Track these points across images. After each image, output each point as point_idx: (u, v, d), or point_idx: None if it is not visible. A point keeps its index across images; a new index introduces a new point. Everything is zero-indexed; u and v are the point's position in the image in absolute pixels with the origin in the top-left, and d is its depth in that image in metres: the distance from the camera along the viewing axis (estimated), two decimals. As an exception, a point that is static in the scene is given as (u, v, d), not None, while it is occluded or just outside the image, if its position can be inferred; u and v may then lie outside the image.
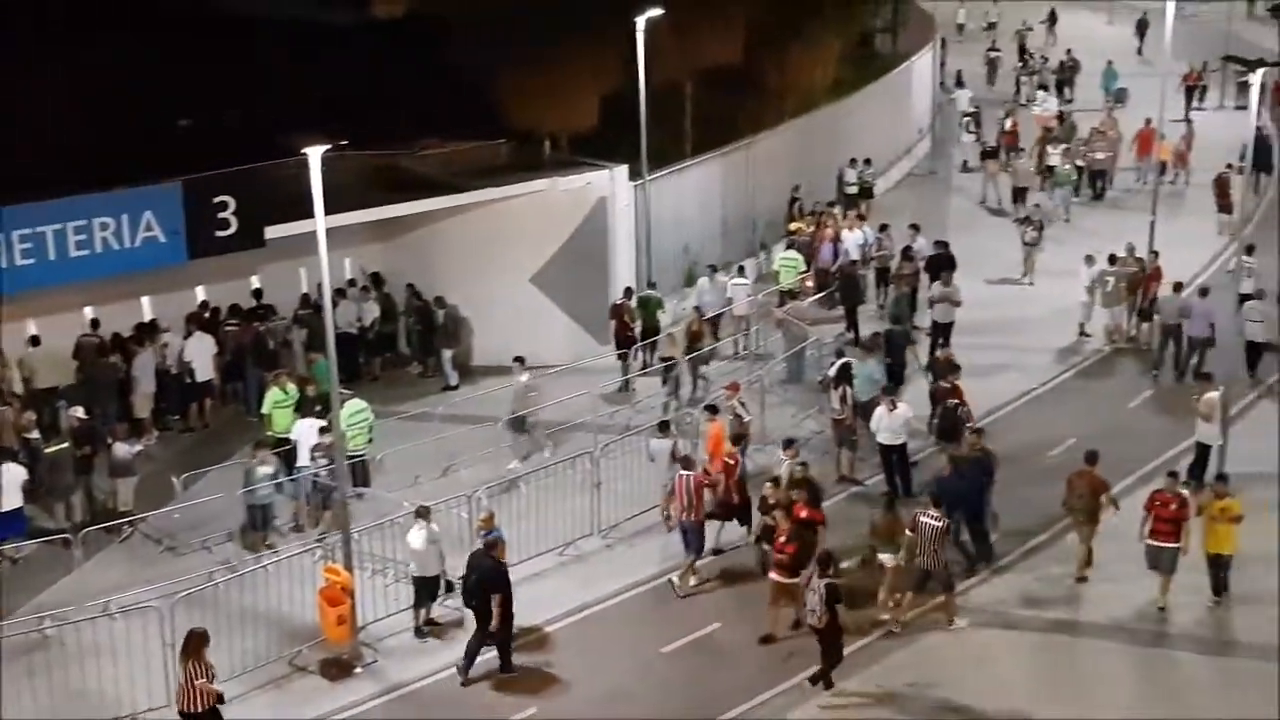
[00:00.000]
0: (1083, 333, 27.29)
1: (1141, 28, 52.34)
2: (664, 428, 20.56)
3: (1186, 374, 24.74)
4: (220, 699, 15.00)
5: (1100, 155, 36.36)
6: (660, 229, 28.37)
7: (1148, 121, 35.77)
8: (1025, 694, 16.38)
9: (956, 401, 21.33)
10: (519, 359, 22.75)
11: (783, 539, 17.30)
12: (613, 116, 28.89)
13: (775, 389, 24.38)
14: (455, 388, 25.75)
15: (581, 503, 20.29)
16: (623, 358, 25.77)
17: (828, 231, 29.75)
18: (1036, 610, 18.17)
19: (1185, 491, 18.00)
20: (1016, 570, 19.15)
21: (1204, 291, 25.56)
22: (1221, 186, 32.93)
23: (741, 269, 29.00)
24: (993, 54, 49.92)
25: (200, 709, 14.84)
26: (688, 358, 24.91)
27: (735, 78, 32.44)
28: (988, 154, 37.81)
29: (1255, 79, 21.27)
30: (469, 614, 17.15)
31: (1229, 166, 33.49)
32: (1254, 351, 24.84)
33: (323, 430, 20.10)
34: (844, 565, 17.91)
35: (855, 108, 36.59)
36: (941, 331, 25.56)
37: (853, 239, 29.50)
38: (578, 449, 21.65)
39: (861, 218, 31.30)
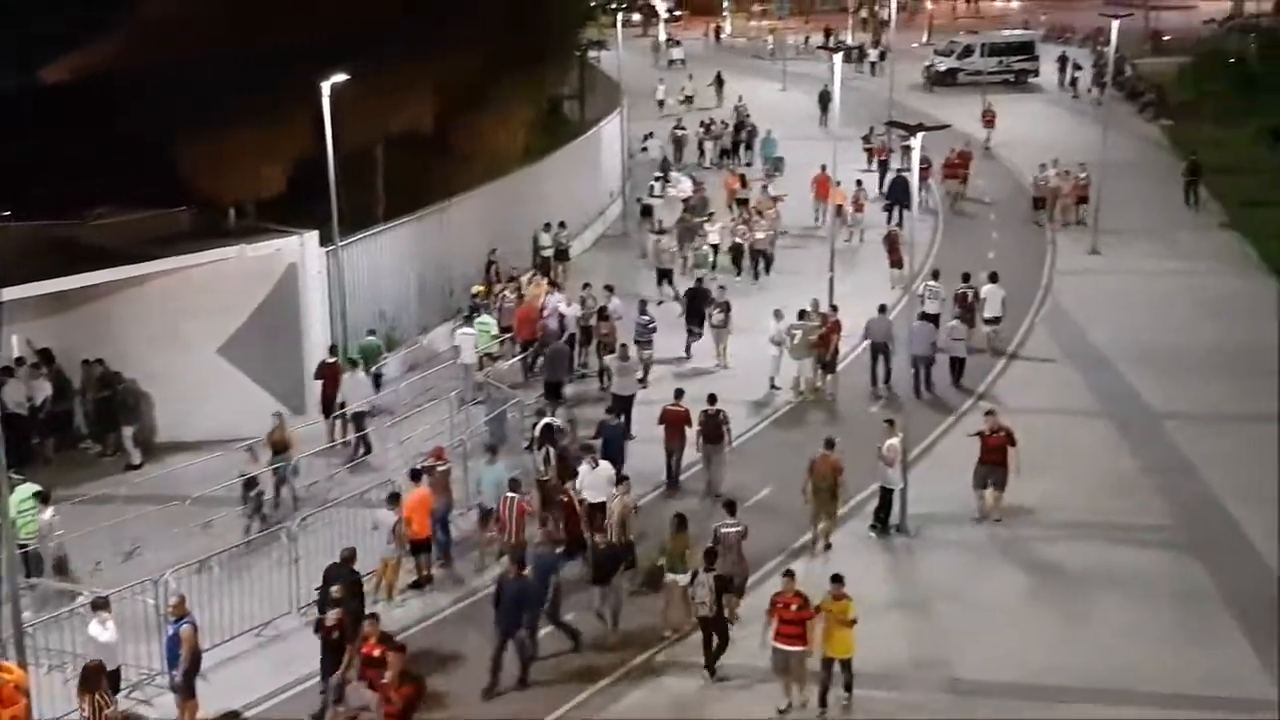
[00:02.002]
0: (773, 385, 28.01)
1: (824, 100, 53.87)
2: (394, 500, 19.99)
3: (922, 392, 27.19)
4: None
5: (760, 234, 35.56)
6: (355, 295, 27.72)
7: (823, 168, 38.61)
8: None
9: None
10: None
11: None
12: (302, 182, 28.09)
13: (479, 452, 24.03)
14: (138, 466, 24.36)
15: (279, 579, 19.39)
16: (333, 419, 25.12)
17: (539, 301, 29.39)
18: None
19: (803, 593, 17.16)
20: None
21: (921, 315, 28.67)
22: (892, 243, 34.64)
23: (470, 316, 28.73)
24: (679, 132, 50.08)
25: None
26: (272, 467, 22.20)
27: (427, 142, 32.21)
28: (645, 210, 39.75)
29: (915, 142, 22.68)
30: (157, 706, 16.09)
31: (898, 225, 35.26)
32: (955, 365, 28.17)
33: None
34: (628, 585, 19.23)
35: (547, 172, 36.89)
36: (621, 405, 25.35)
37: (571, 311, 29.22)
38: (273, 523, 20.72)
39: (554, 283, 31.18)
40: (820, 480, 21.13)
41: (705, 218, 37.67)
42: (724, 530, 19.14)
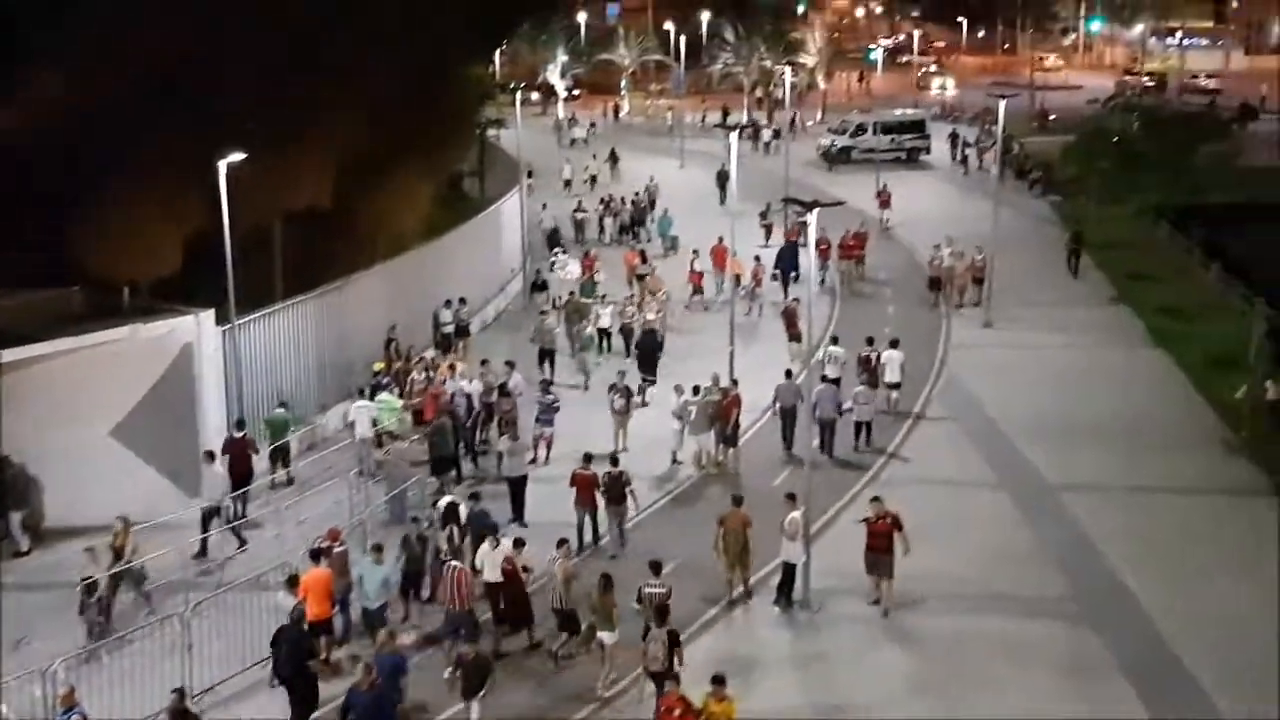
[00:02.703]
0: (675, 460, 28.09)
1: (722, 179, 54.31)
2: (292, 583, 19.70)
3: (830, 449, 28.30)
4: None
5: (651, 315, 34.94)
6: (253, 374, 27.38)
7: (720, 239, 39.63)
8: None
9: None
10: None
11: None
12: (198, 260, 27.77)
13: (378, 531, 23.73)
14: (26, 553, 23.68)
15: (172, 667, 18.89)
16: (243, 494, 24.73)
17: (446, 384, 29.06)
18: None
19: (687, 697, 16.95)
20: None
21: (824, 379, 29.85)
22: (790, 317, 35.05)
23: (371, 392, 28.56)
24: (580, 214, 49.79)
25: None
26: (110, 572, 21.02)
27: (327, 219, 32.03)
28: (536, 286, 40.32)
29: (811, 218, 23.05)
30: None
31: (795, 300, 35.71)
32: (860, 429, 29.06)
33: None
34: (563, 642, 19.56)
35: (448, 248, 36.86)
36: (512, 486, 25.31)
37: (474, 389, 28.95)
38: (167, 609, 20.23)
39: (452, 366, 30.96)
40: (731, 535, 21.81)
41: (597, 299, 37.67)
42: (648, 590, 19.64)
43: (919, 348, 34.60)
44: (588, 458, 24.65)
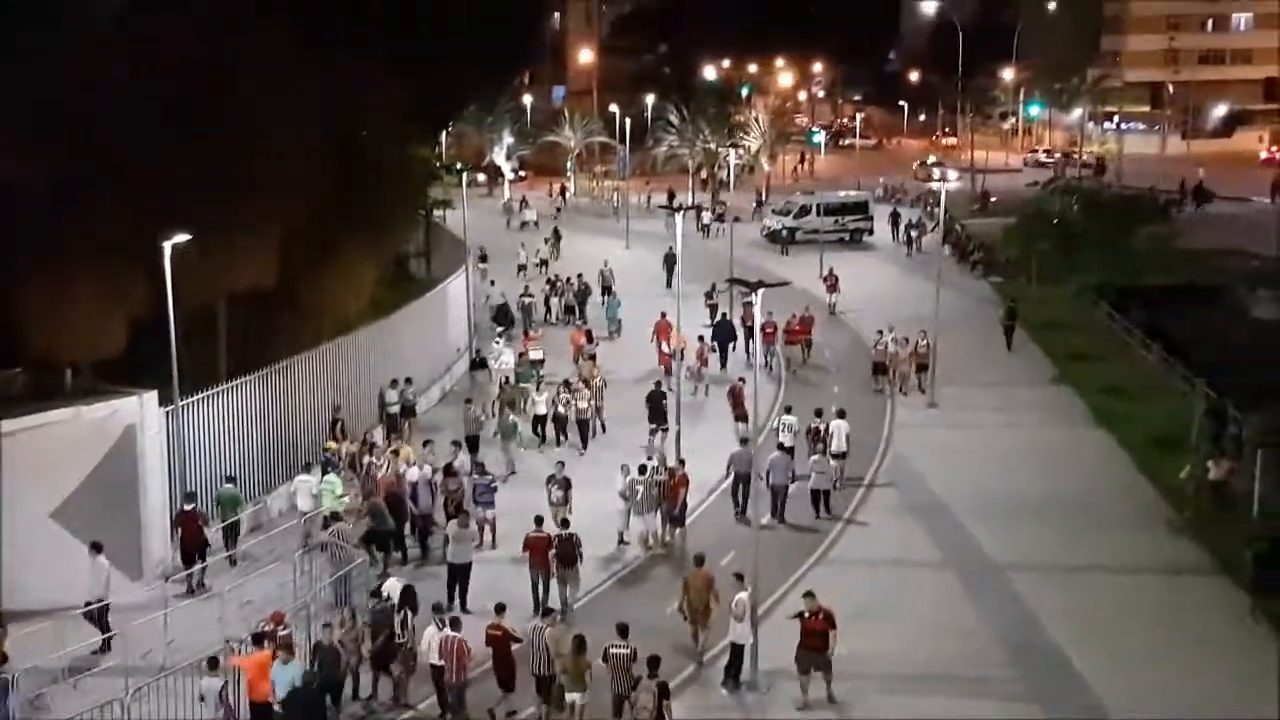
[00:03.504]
0: (621, 540, 28.19)
1: (669, 261, 53.92)
2: (213, 664, 19.57)
3: (781, 515, 29.20)
4: None
5: (583, 404, 34.91)
6: (197, 455, 27.33)
7: (663, 314, 40.65)
8: None
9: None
10: None
11: None
12: (142, 341, 27.77)
13: (324, 613, 23.66)
14: (-38, 638, 23.23)
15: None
16: (202, 569, 24.89)
17: (403, 469, 28.68)
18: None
19: None
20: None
21: (780, 446, 30.38)
22: (736, 397, 35.38)
23: (323, 469, 28.58)
24: (526, 299, 49.04)
25: None
26: None
27: (272, 299, 32.10)
28: (475, 364, 40.38)
29: (755, 299, 23.61)
30: None
31: (741, 380, 36.04)
32: (818, 496, 29.94)
33: None
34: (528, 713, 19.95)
35: (393, 328, 36.95)
36: (457, 574, 25.32)
37: (423, 475, 28.51)
38: (106, 695, 20.04)
39: (396, 452, 30.31)
40: (695, 595, 22.52)
41: (535, 379, 37.70)
42: (614, 651, 20.29)
43: (865, 428, 35.02)
44: (539, 520, 25.44)
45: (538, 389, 36.52)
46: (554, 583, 24.86)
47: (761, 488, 28.13)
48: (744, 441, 29.87)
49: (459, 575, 25.24)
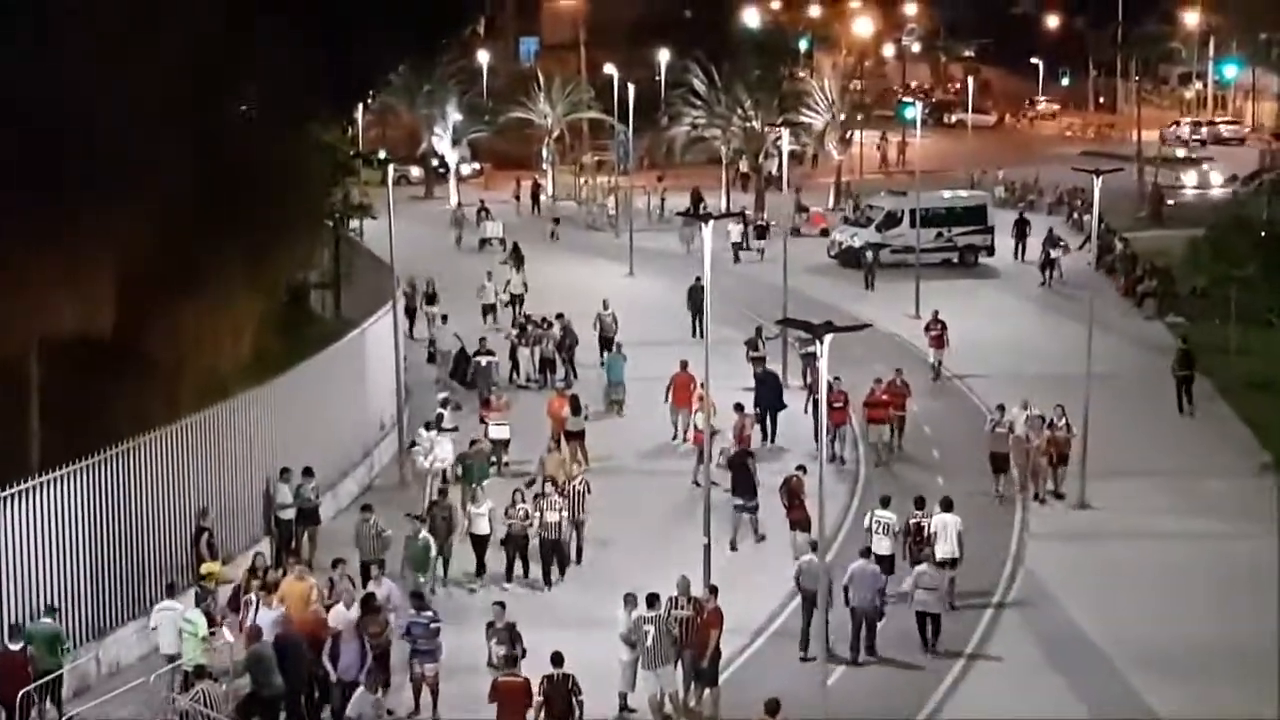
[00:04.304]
0: (625, 707, 28.19)
1: (695, 297, 52.69)
2: None
3: (860, 652, 29.90)
4: None
5: (552, 517, 34.29)
6: (6, 579, 27.51)
7: (684, 365, 41.81)
8: None
9: None
10: None
11: None
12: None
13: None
14: None
15: None
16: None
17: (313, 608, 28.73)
18: None
19: None
20: None
21: (864, 552, 31.19)
22: (792, 493, 35.37)
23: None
24: (485, 359, 48.73)
25: None
26: None
27: (106, 352, 32.29)
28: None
29: (821, 350, 23.53)
30: None
31: (800, 469, 36.20)
32: (925, 623, 30.59)
33: None
34: None
35: (287, 395, 36.93)
36: None
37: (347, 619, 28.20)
38: None
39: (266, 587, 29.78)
40: None
41: (481, 479, 37.44)
42: None
43: (983, 537, 34.97)
44: (511, 660, 25.97)
45: (476, 493, 36.10)
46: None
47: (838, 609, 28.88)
48: (814, 546, 30.08)
49: None
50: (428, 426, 40.36)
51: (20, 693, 25.92)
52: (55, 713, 27.08)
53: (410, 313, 55.45)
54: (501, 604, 29.29)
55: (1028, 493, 39.98)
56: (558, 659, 25.75)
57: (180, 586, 29.68)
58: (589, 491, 36.02)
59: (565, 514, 34.64)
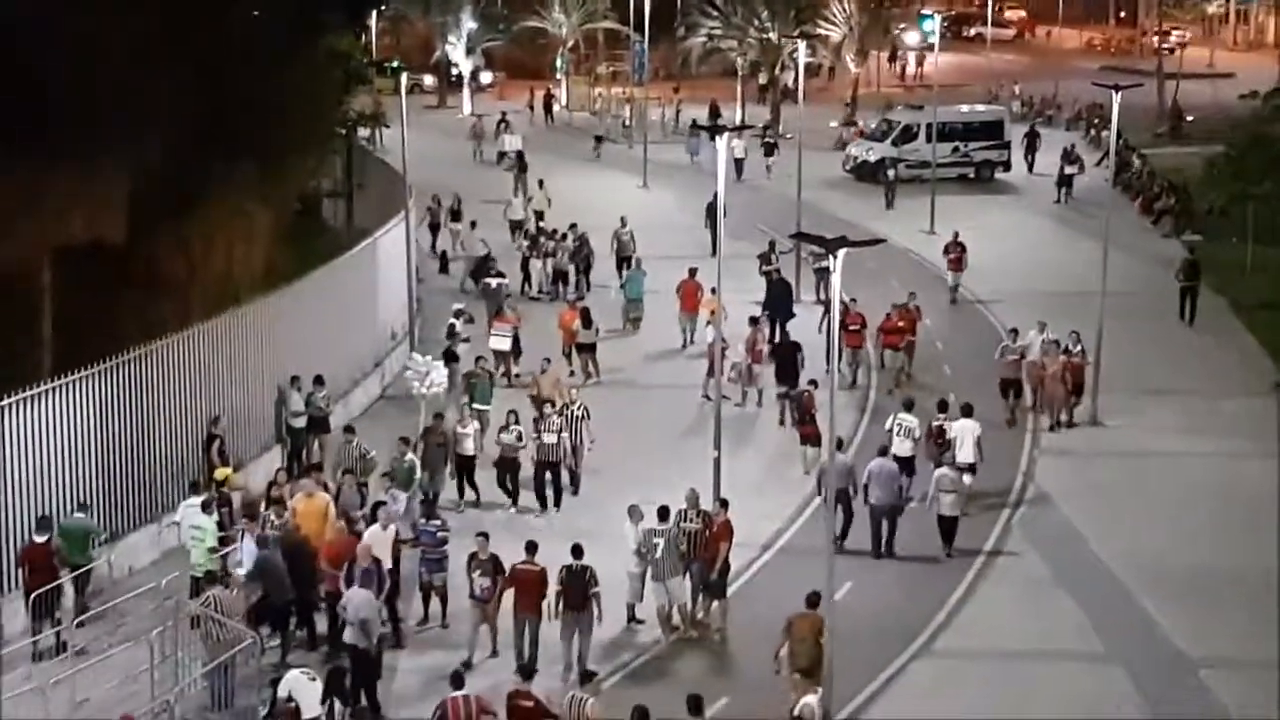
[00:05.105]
0: (633, 618, 28.36)
1: (712, 214, 50.74)
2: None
3: (889, 548, 31.02)
4: None
5: (550, 438, 33.63)
6: (12, 483, 27.71)
7: (692, 272, 42.99)
8: None
9: None
10: None
11: None
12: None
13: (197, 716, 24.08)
14: None
15: None
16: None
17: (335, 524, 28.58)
18: None
19: None
20: None
21: (883, 450, 32.09)
22: (803, 409, 35.57)
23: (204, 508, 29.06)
24: (494, 280, 47.63)
25: None
26: None
27: (118, 260, 32.37)
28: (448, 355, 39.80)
29: (834, 264, 23.20)
30: None
31: (812, 383, 36.29)
32: (946, 525, 31.33)
33: None
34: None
35: (297, 303, 36.89)
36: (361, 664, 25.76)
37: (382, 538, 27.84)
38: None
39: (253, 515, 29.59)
40: (799, 644, 23.94)
41: (481, 395, 37.02)
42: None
43: (991, 455, 34.87)
44: (531, 547, 26.42)
45: (470, 404, 35.92)
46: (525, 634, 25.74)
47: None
48: (839, 444, 30.21)
49: (362, 666, 25.33)
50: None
51: (46, 586, 26.29)
52: (76, 605, 27.37)
53: (434, 228, 55.55)
54: (485, 534, 27.68)
55: (1040, 415, 39.88)
56: (578, 550, 26.32)
57: (200, 485, 30.03)
58: (588, 416, 35.06)
59: (566, 435, 34.02)
